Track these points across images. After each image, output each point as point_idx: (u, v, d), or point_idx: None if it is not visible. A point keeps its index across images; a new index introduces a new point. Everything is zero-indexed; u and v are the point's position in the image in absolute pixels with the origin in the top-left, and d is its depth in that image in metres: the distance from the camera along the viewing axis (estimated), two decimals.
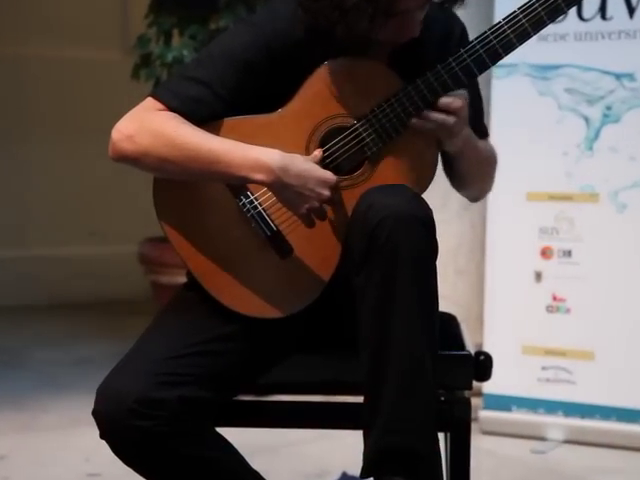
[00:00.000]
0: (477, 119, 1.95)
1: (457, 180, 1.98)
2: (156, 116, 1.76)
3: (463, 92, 1.81)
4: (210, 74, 1.78)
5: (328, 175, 1.75)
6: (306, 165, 1.74)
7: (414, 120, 1.80)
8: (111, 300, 5.17)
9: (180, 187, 1.81)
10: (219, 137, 1.76)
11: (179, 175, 1.77)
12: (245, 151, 1.74)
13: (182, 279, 1.94)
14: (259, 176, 1.73)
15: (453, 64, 1.79)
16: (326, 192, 1.75)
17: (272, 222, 1.80)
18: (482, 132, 1.98)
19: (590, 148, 3.11)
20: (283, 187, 1.74)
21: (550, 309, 3.16)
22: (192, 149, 1.74)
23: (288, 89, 1.80)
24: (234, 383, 1.82)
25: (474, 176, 1.97)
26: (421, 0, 1.75)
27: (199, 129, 1.76)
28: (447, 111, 1.79)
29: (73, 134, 5.21)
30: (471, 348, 1.95)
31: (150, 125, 1.75)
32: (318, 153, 1.79)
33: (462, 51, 1.79)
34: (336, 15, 1.71)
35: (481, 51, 1.80)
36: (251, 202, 1.80)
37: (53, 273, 5.21)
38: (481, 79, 1.90)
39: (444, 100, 1.79)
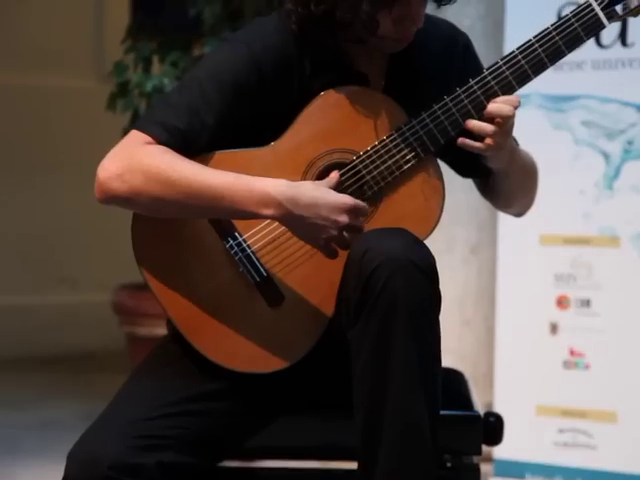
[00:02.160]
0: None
1: (502, 200, 2.01)
2: (146, 151, 1.77)
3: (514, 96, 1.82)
4: (197, 100, 1.80)
5: (342, 199, 1.74)
6: (317, 192, 1.74)
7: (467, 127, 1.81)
8: (82, 354, 5.15)
9: (162, 227, 1.82)
10: (218, 170, 1.77)
11: (176, 214, 1.79)
12: (250, 184, 1.74)
13: (162, 331, 1.94)
14: (267, 211, 1.74)
15: (462, 96, 1.82)
16: (343, 218, 1.74)
17: (262, 266, 1.81)
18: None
19: (610, 187, 3.13)
20: (295, 220, 1.74)
21: (567, 365, 3.15)
22: (190, 185, 1.74)
23: (279, 115, 1.82)
24: (219, 447, 1.82)
25: (520, 191, 2.00)
26: None
27: (195, 163, 1.77)
28: (493, 119, 1.81)
29: (41, 169, 5.22)
30: (480, 408, 1.95)
31: (141, 161, 1.76)
32: (334, 176, 1.80)
33: (472, 82, 1.82)
34: None
35: (492, 83, 1.82)
36: (239, 244, 1.81)
37: (17, 324, 5.19)
38: None
39: (493, 106, 1.80)
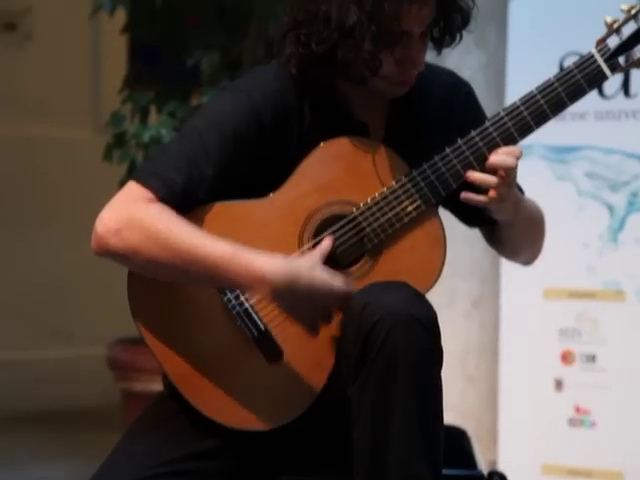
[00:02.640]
0: None
1: (509, 249, 2.02)
2: (146, 209, 1.77)
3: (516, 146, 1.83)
4: (196, 151, 1.81)
5: (338, 288, 1.75)
6: (314, 280, 1.74)
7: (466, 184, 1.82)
8: (76, 410, 5.12)
9: (158, 281, 1.82)
10: (218, 239, 1.77)
11: (170, 278, 1.80)
12: (247, 261, 1.74)
13: (158, 387, 1.93)
14: (260, 290, 1.75)
15: (463, 147, 1.83)
16: (335, 306, 1.76)
17: (260, 320, 1.81)
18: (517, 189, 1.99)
19: (614, 239, 3.13)
20: (286, 301, 1.76)
21: (573, 422, 3.14)
22: (188, 252, 1.75)
23: (278, 165, 1.83)
24: None
25: (527, 240, 2.01)
26: (424, 19, 1.78)
27: (195, 228, 1.78)
28: (496, 171, 1.82)
29: (36, 221, 5.23)
30: (483, 467, 1.94)
31: (141, 220, 1.76)
32: (326, 244, 1.80)
33: (473, 133, 1.83)
34: (335, 36, 1.75)
35: (494, 134, 1.83)
36: (237, 297, 1.82)
37: (8, 379, 5.16)
38: None
39: (495, 158, 1.81)
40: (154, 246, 1.75)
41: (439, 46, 1.87)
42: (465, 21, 1.85)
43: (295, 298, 1.74)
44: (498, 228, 1.96)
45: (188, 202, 1.79)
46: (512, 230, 1.95)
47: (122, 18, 3.98)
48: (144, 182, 1.80)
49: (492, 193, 1.82)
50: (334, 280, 1.75)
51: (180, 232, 1.76)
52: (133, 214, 1.77)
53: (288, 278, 1.73)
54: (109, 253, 1.77)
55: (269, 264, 1.74)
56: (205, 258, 1.75)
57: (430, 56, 1.87)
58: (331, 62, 1.79)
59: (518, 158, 1.83)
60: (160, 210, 1.78)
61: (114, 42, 4.94)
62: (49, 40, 5.16)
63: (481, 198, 1.82)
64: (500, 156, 1.82)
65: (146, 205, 1.78)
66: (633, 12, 1.82)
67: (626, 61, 1.84)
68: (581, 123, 3.16)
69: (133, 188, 1.81)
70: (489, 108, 1.96)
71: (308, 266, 1.75)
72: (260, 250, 1.76)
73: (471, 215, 1.98)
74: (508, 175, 1.82)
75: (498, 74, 3.31)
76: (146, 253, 1.75)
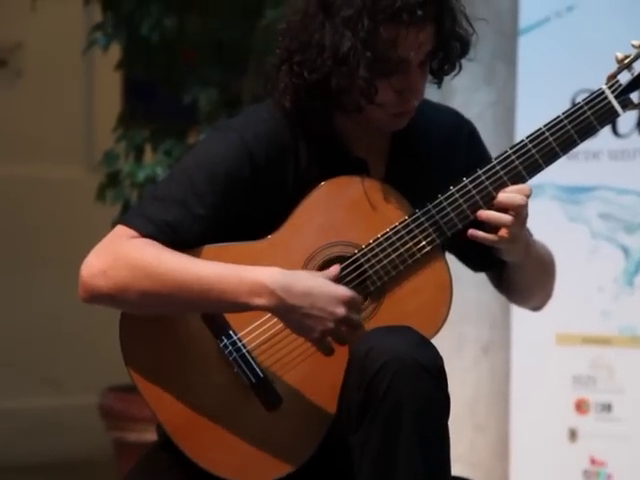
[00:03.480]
0: None
1: (518, 294, 2.02)
2: (131, 244, 1.79)
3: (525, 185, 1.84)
4: (186, 192, 1.82)
5: (341, 290, 1.76)
6: (313, 281, 1.76)
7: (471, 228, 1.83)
8: (66, 462, 5.10)
9: (151, 326, 1.83)
10: (207, 261, 1.78)
11: (164, 309, 1.80)
12: (240, 273, 1.76)
13: (152, 436, 1.93)
14: (259, 300, 1.75)
15: (469, 187, 1.84)
16: (340, 310, 1.75)
17: (258, 367, 1.81)
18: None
19: (630, 283, 3.13)
20: (288, 310, 1.75)
21: (588, 475, 3.13)
22: (178, 278, 1.76)
23: (274, 205, 1.84)
24: None
25: (537, 284, 2.01)
26: (421, 46, 1.79)
27: (182, 254, 1.78)
28: (506, 211, 1.82)
29: (26, 264, 5.23)
30: None
31: (126, 256, 1.77)
32: (334, 270, 1.81)
33: (479, 172, 1.84)
34: (329, 63, 1.77)
35: (501, 173, 1.84)
36: (234, 343, 1.82)
37: None
38: None
39: (503, 197, 1.82)
40: (143, 278, 1.76)
41: (439, 76, 1.89)
42: (465, 49, 1.86)
43: (295, 302, 1.74)
44: (507, 271, 1.97)
45: (176, 242, 1.80)
46: (522, 273, 1.95)
47: (116, 54, 4.01)
48: (130, 223, 1.82)
49: (503, 232, 1.82)
50: (338, 285, 1.76)
51: (168, 260, 1.77)
52: (118, 251, 1.78)
53: (286, 280, 1.74)
54: (97, 296, 1.78)
55: (265, 271, 1.75)
56: (198, 280, 1.75)
57: (438, 92, 1.88)
58: (326, 92, 1.80)
59: (528, 196, 1.83)
60: (146, 243, 1.79)
61: (108, 78, 4.97)
62: (41, 77, 5.19)
63: (490, 236, 1.83)
64: (508, 194, 1.83)
65: (129, 240, 1.79)
66: None
67: (639, 98, 1.85)
68: (594, 162, 3.17)
69: (118, 229, 1.82)
70: (498, 146, 1.98)
71: (308, 273, 1.78)
72: None
73: (477, 258, 1.99)
74: (519, 214, 1.82)
75: (508, 111, 3.33)
76: (136, 288, 1.76)
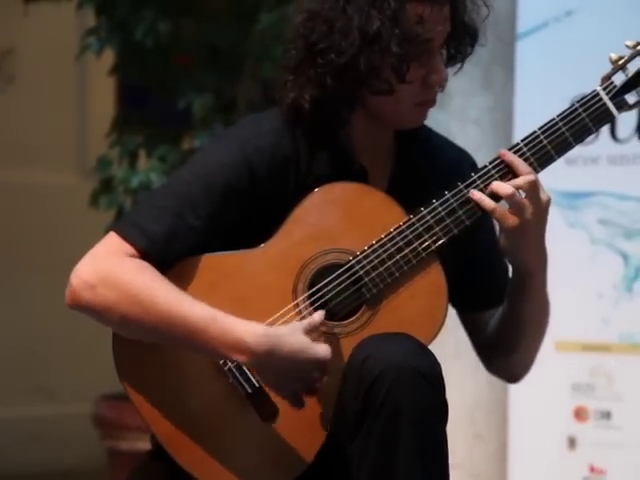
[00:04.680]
0: (496, 277, 1.98)
1: (510, 336, 1.97)
2: (123, 266, 1.78)
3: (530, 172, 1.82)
4: (182, 202, 1.82)
5: (321, 353, 1.75)
6: (296, 345, 1.74)
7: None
8: (59, 471, 5.10)
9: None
10: (196, 302, 1.77)
11: (144, 338, 1.80)
12: (224, 326, 1.75)
13: (145, 445, 1.93)
14: (239, 357, 1.75)
15: (464, 191, 1.83)
16: (317, 374, 1.76)
17: (254, 377, 1.81)
18: (498, 295, 1.98)
19: (630, 289, 3.13)
20: (266, 371, 1.76)
21: None
22: (164, 314, 1.76)
23: (273, 215, 1.84)
24: None
25: (533, 327, 1.97)
26: (444, 25, 1.81)
27: (174, 288, 1.78)
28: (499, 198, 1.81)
29: (18, 271, 5.23)
30: None
31: (117, 277, 1.77)
32: (318, 318, 1.79)
33: (475, 176, 1.84)
34: (358, 44, 1.77)
35: (496, 176, 1.84)
36: None
37: None
38: None
39: (495, 184, 1.81)
40: (130, 305, 1.76)
41: (452, 63, 1.90)
42: (474, 37, 1.88)
43: (277, 364, 1.74)
44: (507, 302, 1.93)
45: (171, 255, 1.80)
46: (524, 300, 1.91)
47: (110, 59, 4.01)
48: (124, 234, 1.81)
49: (501, 212, 1.80)
50: (317, 346, 1.75)
51: (158, 292, 1.77)
52: (109, 270, 1.78)
53: (269, 343, 1.74)
54: (82, 307, 1.79)
55: (250, 329, 1.75)
56: (183, 321, 1.75)
57: (438, 126, 1.88)
58: (355, 75, 1.79)
59: (522, 188, 1.81)
60: (138, 266, 1.78)
61: (101, 84, 4.97)
62: (33, 82, 5.19)
63: (488, 200, 1.81)
64: (500, 183, 1.81)
65: (124, 260, 1.79)
66: (639, 48, 1.83)
67: (634, 99, 1.84)
68: (593, 168, 3.17)
69: (113, 240, 1.82)
70: (496, 151, 1.97)
71: (290, 331, 1.76)
72: (246, 312, 1.77)
73: (474, 294, 1.98)
74: (515, 203, 1.80)
75: (505, 116, 3.33)
76: (120, 311, 1.76)
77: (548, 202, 1.84)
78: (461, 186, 1.84)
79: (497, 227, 1.87)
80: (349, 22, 1.78)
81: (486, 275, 1.99)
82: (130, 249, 1.80)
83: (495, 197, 1.82)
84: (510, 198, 1.80)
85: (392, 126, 1.90)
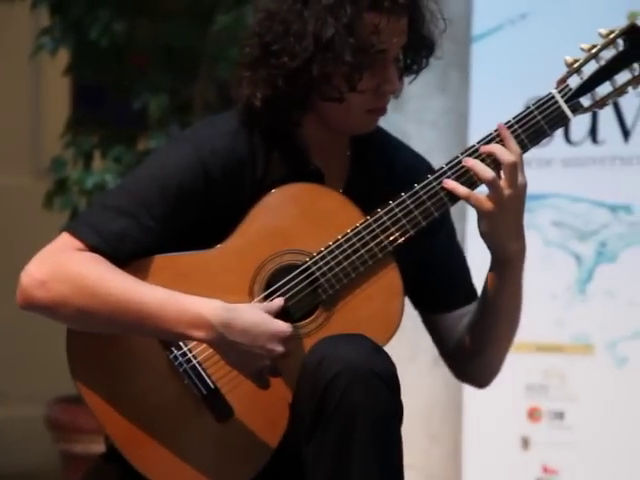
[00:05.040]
0: (455, 278, 2.00)
1: (479, 338, 1.97)
2: (74, 258, 1.77)
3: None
4: (136, 203, 1.81)
5: (282, 327, 1.76)
6: (255, 317, 1.75)
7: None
8: (12, 474, 5.05)
9: (100, 337, 1.81)
10: (151, 285, 1.77)
11: (102, 329, 1.79)
12: (181, 304, 1.75)
13: (99, 448, 1.92)
14: (198, 333, 1.74)
15: (420, 193, 1.84)
16: (279, 347, 1.75)
17: (209, 378, 1.81)
18: (468, 294, 2.00)
19: (582, 291, 3.15)
20: (227, 345, 1.75)
21: None
22: (118, 301, 1.75)
23: (229, 217, 1.84)
24: None
25: (507, 323, 1.97)
26: (400, 37, 1.81)
27: (127, 275, 1.77)
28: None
29: None
30: None
31: (67, 270, 1.76)
32: (279, 302, 1.80)
33: (431, 178, 1.85)
34: (311, 50, 1.77)
35: (453, 177, 1.84)
36: (184, 354, 1.81)
37: None
38: (454, 210, 1.95)
39: (479, 169, 1.81)
40: (83, 296, 1.75)
41: (408, 73, 1.90)
42: (431, 48, 1.89)
43: (238, 336, 1.73)
44: (483, 297, 1.93)
45: (123, 254, 1.79)
46: (503, 289, 1.92)
47: (65, 59, 3.98)
48: (76, 232, 1.80)
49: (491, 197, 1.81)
50: (279, 322, 1.76)
51: (110, 280, 1.76)
52: (61, 264, 1.77)
53: (227, 316, 1.73)
54: (34, 306, 1.77)
55: (206, 304, 1.75)
56: (138, 305, 1.74)
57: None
58: (306, 81, 1.80)
59: (483, 182, 1.82)
60: (92, 259, 1.78)
61: (56, 84, 4.93)
62: None
63: (463, 188, 1.82)
64: (484, 167, 1.82)
65: (73, 254, 1.78)
66: (594, 51, 1.85)
67: (588, 102, 1.86)
68: (547, 170, 3.19)
69: (64, 238, 1.81)
70: (451, 153, 1.98)
71: (249, 307, 1.77)
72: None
73: (428, 294, 1.99)
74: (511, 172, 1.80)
75: (461, 118, 3.34)
76: (74, 304, 1.75)
77: (525, 185, 1.84)
78: (417, 187, 1.84)
79: (475, 214, 1.86)
80: (304, 26, 1.78)
81: (445, 275, 2.00)
82: (81, 246, 1.79)
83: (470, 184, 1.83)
84: (491, 183, 1.81)
85: (341, 131, 1.90)
